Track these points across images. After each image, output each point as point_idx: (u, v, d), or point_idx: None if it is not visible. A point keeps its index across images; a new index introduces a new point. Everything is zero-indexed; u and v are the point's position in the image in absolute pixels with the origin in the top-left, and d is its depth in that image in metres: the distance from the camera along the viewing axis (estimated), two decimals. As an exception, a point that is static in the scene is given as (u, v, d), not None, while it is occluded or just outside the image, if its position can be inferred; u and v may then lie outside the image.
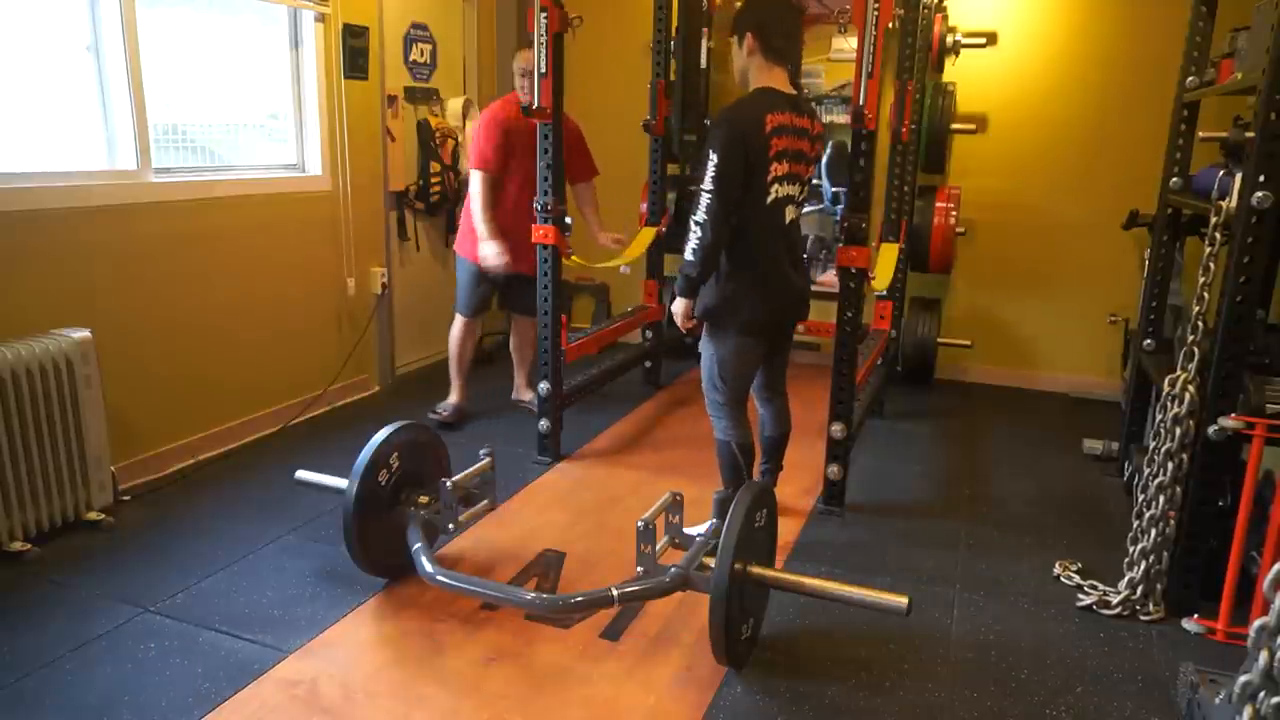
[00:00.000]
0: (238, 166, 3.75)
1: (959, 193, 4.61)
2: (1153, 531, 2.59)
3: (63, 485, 2.81)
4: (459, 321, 4.02)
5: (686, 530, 2.46)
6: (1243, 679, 1.71)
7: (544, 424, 3.59)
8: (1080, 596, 2.67)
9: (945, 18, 4.58)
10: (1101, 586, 2.68)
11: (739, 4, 2.73)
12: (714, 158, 2.53)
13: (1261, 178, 2.28)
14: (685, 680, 2.22)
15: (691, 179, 5.01)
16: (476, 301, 3.99)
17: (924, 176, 4.73)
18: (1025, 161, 4.73)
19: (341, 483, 2.57)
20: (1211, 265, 2.56)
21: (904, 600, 2.14)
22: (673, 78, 4.57)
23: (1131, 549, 2.65)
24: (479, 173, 3.73)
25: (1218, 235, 2.49)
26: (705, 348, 2.82)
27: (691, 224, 2.58)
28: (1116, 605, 2.60)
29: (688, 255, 2.60)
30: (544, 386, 3.56)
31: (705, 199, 2.55)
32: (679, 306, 2.72)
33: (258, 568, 2.71)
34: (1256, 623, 1.69)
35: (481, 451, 2.77)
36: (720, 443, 2.88)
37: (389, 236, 4.52)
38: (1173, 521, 2.57)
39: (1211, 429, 2.42)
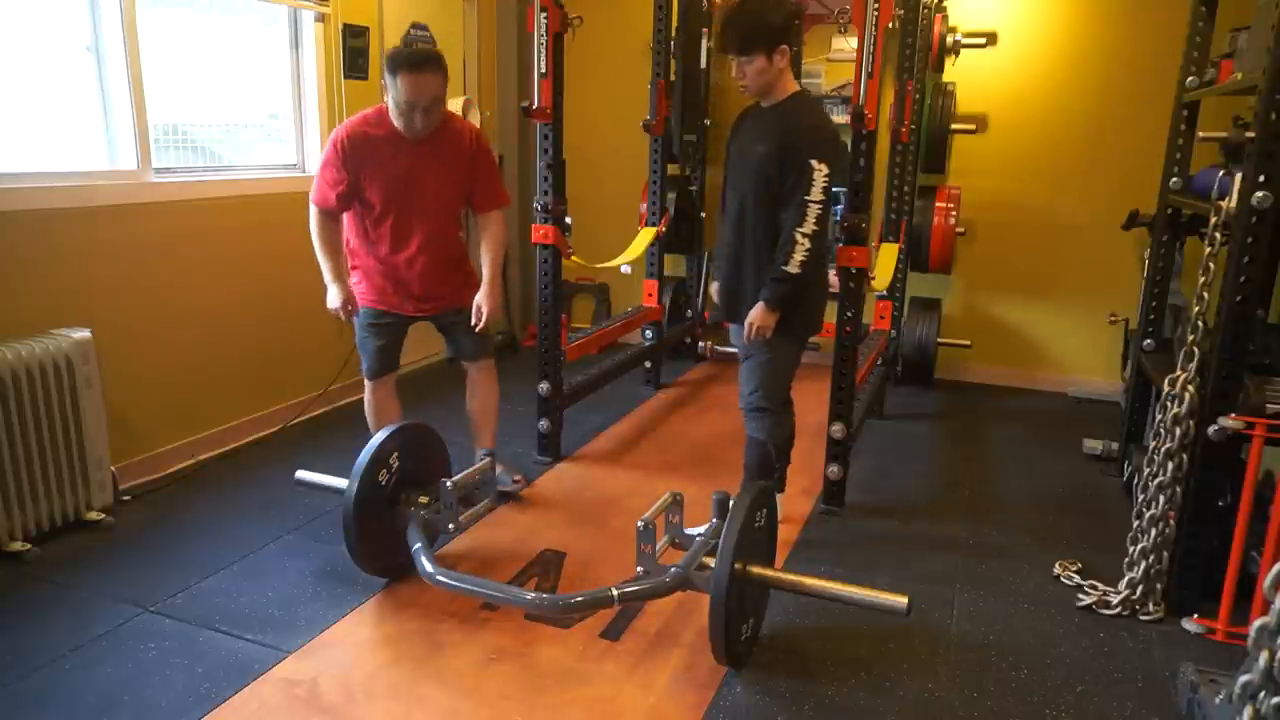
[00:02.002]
0: (238, 166, 3.75)
1: (959, 193, 4.62)
2: (1153, 531, 2.59)
3: (63, 485, 2.81)
4: (365, 386, 3.13)
5: (687, 530, 2.46)
6: (1243, 679, 1.71)
7: (544, 424, 3.59)
8: (1080, 596, 2.67)
9: (945, 18, 4.58)
10: (1101, 586, 2.68)
11: (741, 20, 2.57)
12: (823, 168, 2.49)
13: (1261, 178, 2.28)
14: (685, 680, 2.22)
15: (690, 179, 5.02)
16: (368, 356, 3.06)
17: (924, 176, 4.74)
18: (1025, 161, 4.73)
19: (341, 483, 2.57)
20: (1211, 265, 2.56)
21: (904, 600, 2.14)
22: (673, 78, 4.58)
23: (1131, 549, 2.65)
24: (314, 213, 2.91)
25: (1218, 235, 2.49)
26: (763, 354, 2.74)
27: (797, 236, 2.52)
28: (1116, 605, 2.60)
29: (791, 268, 2.54)
30: (544, 386, 3.56)
31: (816, 210, 2.51)
32: (769, 319, 2.63)
33: (258, 568, 2.71)
34: (1256, 623, 1.69)
35: (482, 451, 2.77)
36: (757, 443, 2.86)
37: (389, 236, 4.51)
38: (1173, 521, 2.57)
39: (1211, 429, 2.42)
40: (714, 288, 2.96)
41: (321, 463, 2.93)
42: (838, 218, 3.03)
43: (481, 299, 2.95)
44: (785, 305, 2.63)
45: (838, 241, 3.06)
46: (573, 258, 3.64)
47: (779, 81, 2.62)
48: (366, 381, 3.11)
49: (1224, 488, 2.53)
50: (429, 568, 2.33)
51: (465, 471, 2.65)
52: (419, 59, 2.73)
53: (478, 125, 4.90)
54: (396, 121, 2.80)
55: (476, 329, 2.98)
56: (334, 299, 2.87)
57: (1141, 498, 2.65)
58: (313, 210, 2.90)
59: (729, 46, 2.60)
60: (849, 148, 2.96)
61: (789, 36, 2.56)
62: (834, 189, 2.59)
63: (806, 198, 2.50)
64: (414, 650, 2.31)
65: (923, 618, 2.53)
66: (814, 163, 2.49)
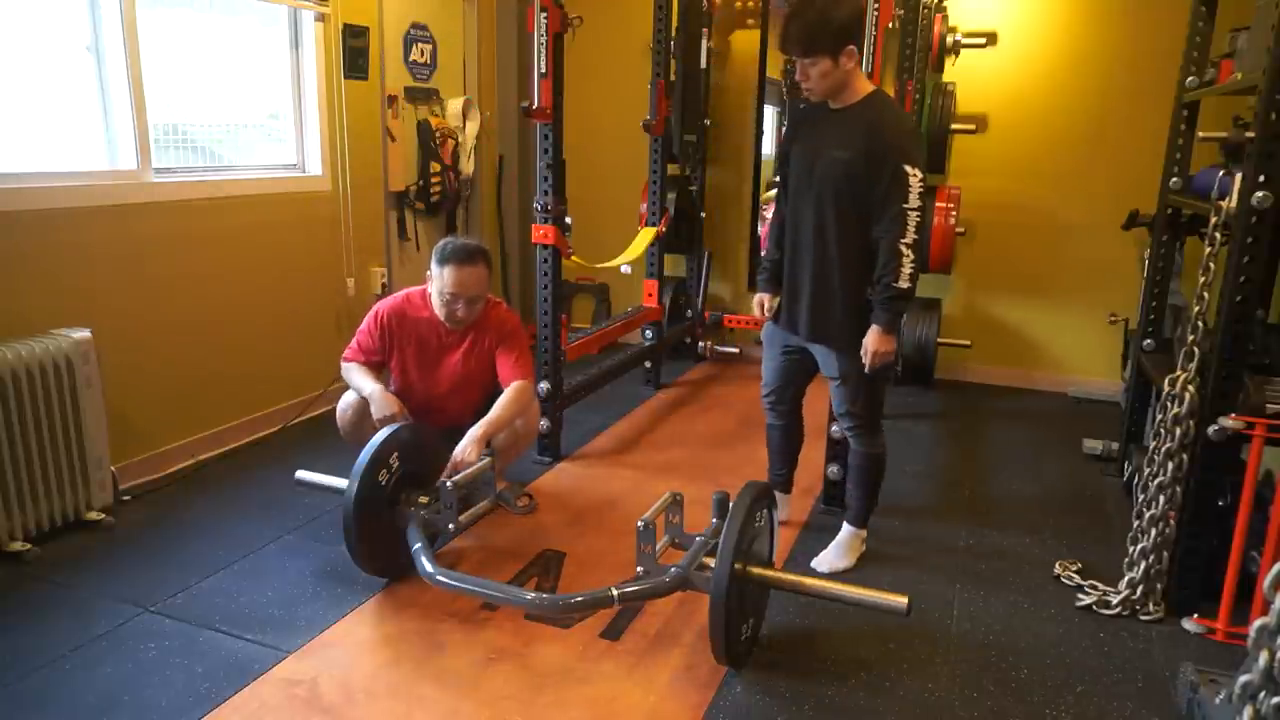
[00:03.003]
0: (238, 166, 3.75)
1: (959, 193, 4.61)
2: (1153, 531, 2.59)
3: (63, 485, 2.81)
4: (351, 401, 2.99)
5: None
6: (1243, 679, 1.71)
7: (544, 424, 3.59)
8: (1080, 596, 2.67)
9: (945, 18, 4.58)
10: (1101, 586, 2.68)
11: (803, 18, 2.37)
12: (918, 173, 2.35)
13: (1261, 178, 2.28)
14: (685, 680, 2.22)
15: (690, 179, 5.02)
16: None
17: (924, 177, 4.73)
18: (1025, 161, 4.73)
19: (341, 483, 2.57)
20: (1211, 265, 2.56)
21: (904, 600, 2.14)
22: (673, 78, 4.58)
23: (1131, 549, 2.65)
24: (344, 362, 2.98)
25: (1218, 235, 2.49)
26: (866, 372, 2.58)
27: (902, 248, 2.35)
28: (1116, 605, 2.60)
29: (902, 283, 2.38)
30: (544, 386, 3.56)
31: (915, 218, 2.35)
32: (889, 344, 2.46)
33: (258, 568, 2.71)
34: (1256, 623, 1.69)
35: (482, 452, 2.77)
36: (877, 457, 2.77)
37: (389, 236, 4.52)
38: (1173, 521, 2.57)
39: (1211, 429, 2.42)
40: (766, 298, 2.75)
41: (321, 463, 2.93)
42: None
43: (459, 449, 2.70)
44: (900, 324, 2.47)
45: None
46: (573, 258, 3.64)
47: (849, 82, 2.44)
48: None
49: (1224, 488, 2.53)
50: (429, 568, 2.32)
51: (465, 472, 2.65)
52: (469, 253, 2.80)
53: (478, 125, 4.92)
54: (438, 310, 2.89)
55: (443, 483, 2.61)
56: (384, 409, 2.78)
57: (1141, 498, 2.65)
58: (345, 364, 2.96)
59: (790, 47, 2.41)
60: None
61: (857, 34, 2.37)
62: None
63: (905, 206, 2.35)
64: (414, 650, 2.31)
65: (923, 618, 2.53)
66: (908, 168, 2.35)
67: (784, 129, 2.71)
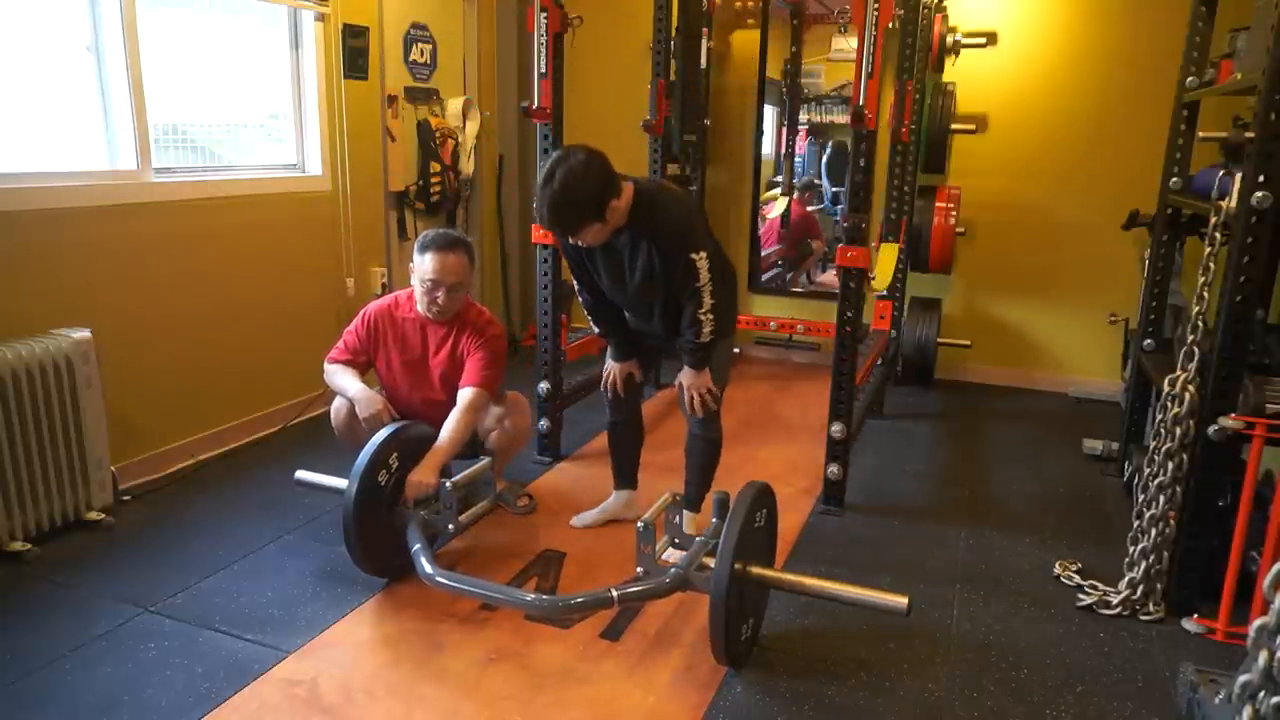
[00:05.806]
0: (238, 166, 3.75)
1: (959, 193, 4.62)
2: (1153, 531, 2.59)
3: (63, 485, 2.81)
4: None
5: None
6: (1242, 679, 1.71)
7: (544, 424, 3.59)
8: (1080, 596, 2.67)
9: (945, 18, 4.58)
10: (1101, 586, 2.68)
11: (561, 212, 2.44)
12: (703, 254, 2.54)
13: (1261, 178, 2.28)
14: (685, 680, 2.22)
15: (689, 179, 5.02)
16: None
17: (924, 176, 4.74)
18: (1025, 161, 4.73)
19: (341, 483, 2.57)
20: (1211, 265, 2.56)
21: (904, 600, 2.14)
22: (673, 78, 4.57)
23: (1131, 549, 2.65)
24: (328, 364, 2.94)
25: (1218, 235, 2.49)
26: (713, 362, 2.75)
27: (701, 317, 2.58)
28: (1116, 605, 2.60)
29: (704, 339, 2.62)
30: (544, 386, 3.56)
31: (710, 288, 2.57)
32: (704, 380, 2.72)
33: (258, 568, 2.71)
34: (1256, 622, 1.69)
35: (485, 449, 2.77)
36: (716, 444, 2.89)
37: (389, 236, 4.52)
38: (1173, 521, 2.57)
39: (1211, 429, 2.42)
40: (631, 365, 2.96)
41: (321, 463, 2.93)
42: (838, 218, 3.03)
43: (414, 479, 2.58)
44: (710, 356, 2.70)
45: (838, 241, 3.06)
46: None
47: (619, 214, 2.51)
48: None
49: (1224, 488, 2.53)
50: (428, 569, 2.32)
51: (465, 472, 2.65)
52: (449, 241, 2.81)
53: (478, 125, 4.92)
54: (419, 301, 2.86)
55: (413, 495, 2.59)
56: (369, 408, 2.78)
57: (1141, 498, 2.65)
58: (329, 366, 2.93)
59: (566, 235, 2.53)
60: (849, 147, 2.96)
61: (610, 191, 2.46)
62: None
63: (698, 285, 2.55)
64: (414, 650, 2.31)
65: (923, 618, 2.53)
66: (693, 255, 2.53)
67: (564, 244, 2.76)
